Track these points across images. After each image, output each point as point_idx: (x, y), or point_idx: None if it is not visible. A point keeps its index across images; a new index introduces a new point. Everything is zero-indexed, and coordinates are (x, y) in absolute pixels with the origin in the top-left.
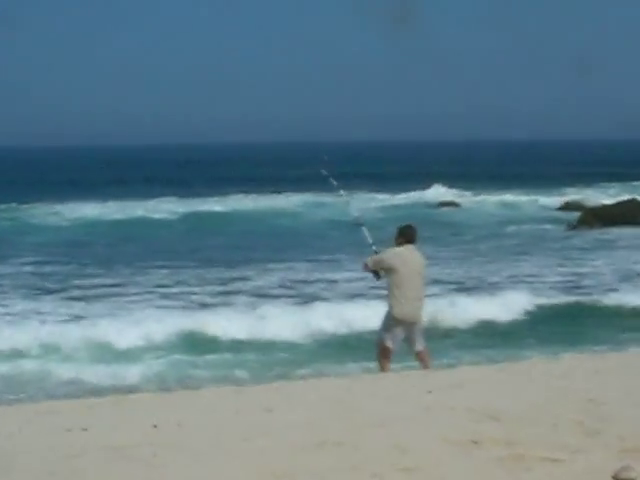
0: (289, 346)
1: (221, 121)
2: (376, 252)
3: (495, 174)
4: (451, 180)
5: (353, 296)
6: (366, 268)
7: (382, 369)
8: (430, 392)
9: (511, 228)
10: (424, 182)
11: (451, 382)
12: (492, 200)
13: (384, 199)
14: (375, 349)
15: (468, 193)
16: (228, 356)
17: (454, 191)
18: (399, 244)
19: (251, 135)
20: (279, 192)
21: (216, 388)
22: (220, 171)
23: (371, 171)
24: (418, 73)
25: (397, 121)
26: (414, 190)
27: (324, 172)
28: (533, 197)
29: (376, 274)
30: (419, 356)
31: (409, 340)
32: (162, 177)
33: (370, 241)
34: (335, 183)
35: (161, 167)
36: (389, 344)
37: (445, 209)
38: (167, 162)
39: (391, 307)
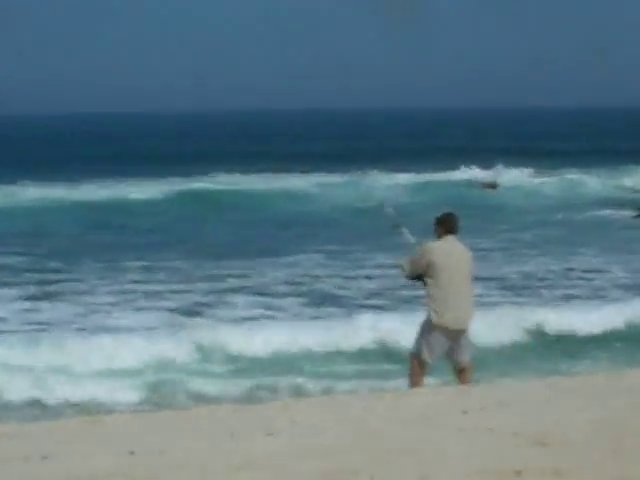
0: (299, 357)
1: (215, 86)
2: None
3: (536, 148)
4: (492, 155)
5: (373, 295)
6: (407, 276)
7: (413, 384)
8: (465, 412)
9: (571, 213)
10: (454, 158)
11: (491, 400)
12: (539, 181)
13: (409, 179)
14: (409, 361)
15: (512, 171)
16: (226, 369)
17: (498, 168)
18: (439, 236)
19: (251, 102)
20: (287, 171)
21: (208, 407)
22: (216, 144)
23: (388, 145)
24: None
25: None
26: (444, 169)
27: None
28: (595, 177)
29: (422, 280)
30: (460, 372)
31: (451, 352)
32: (147, 151)
33: (413, 242)
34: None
35: (146, 139)
36: (426, 356)
37: (487, 191)
38: (153, 133)
39: (430, 312)
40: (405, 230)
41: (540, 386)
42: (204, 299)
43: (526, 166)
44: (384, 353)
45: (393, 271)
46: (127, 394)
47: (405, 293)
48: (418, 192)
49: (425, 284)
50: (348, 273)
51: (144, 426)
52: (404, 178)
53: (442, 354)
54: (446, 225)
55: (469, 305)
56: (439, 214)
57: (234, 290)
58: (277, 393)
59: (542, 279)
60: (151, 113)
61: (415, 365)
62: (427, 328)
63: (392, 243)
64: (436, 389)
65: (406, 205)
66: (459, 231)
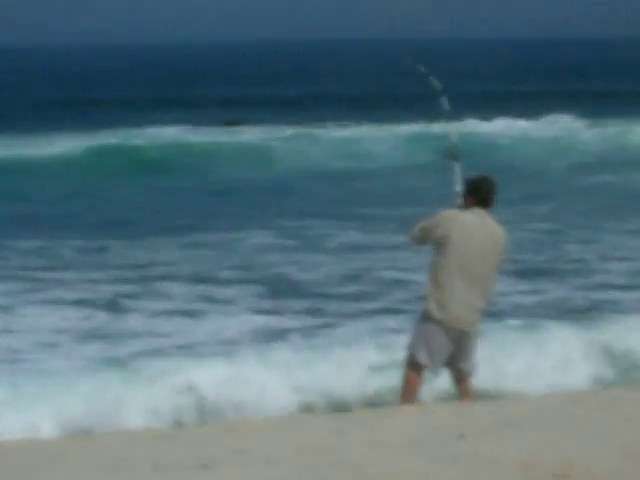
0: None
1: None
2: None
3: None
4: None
5: (347, 279)
6: (413, 239)
7: (406, 398)
8: (462, 436)
9: (611, 175)
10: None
11: (496, 421)
12: (569, 134)
13: (408, 132)
14: (403, 369)
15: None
16: (159, 384)
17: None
18: (466, 206)
19: (214, 32)
20: (238, 123)
21: (125, 432)
22: (152, 87)
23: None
24: None
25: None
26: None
27: (422, 69)
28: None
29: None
30: (462, 384)
31: (453, 356)
32: (56, 95)
33: (457, 189)
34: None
35: (57, 78)
36: (424, 359)
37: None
38: (69, 71)
39: (429, 302)
40: (458, 168)
41: (561, 402)
42: (127, 289)
43: (562, 112)
44: (354, 356)
45: (369, 254)
46: (23, 420)
47: (388, 275)
48: (396, 146)
49: (431, 265)
50: (310, 254)
51: (33, 458)
52: (402, 131)
53: (445, 359)
54: (479, 194)
55: (484, 301)
56: (471, 177)
57: (166, 277)
58: (218, 413)
59: (569, 262)
60: (74, 46)
61: (410, 372)
62: (425, 323)
63: (362, 214)
64: (426, 407)
65: (396, 168)
66: (494, 204)
